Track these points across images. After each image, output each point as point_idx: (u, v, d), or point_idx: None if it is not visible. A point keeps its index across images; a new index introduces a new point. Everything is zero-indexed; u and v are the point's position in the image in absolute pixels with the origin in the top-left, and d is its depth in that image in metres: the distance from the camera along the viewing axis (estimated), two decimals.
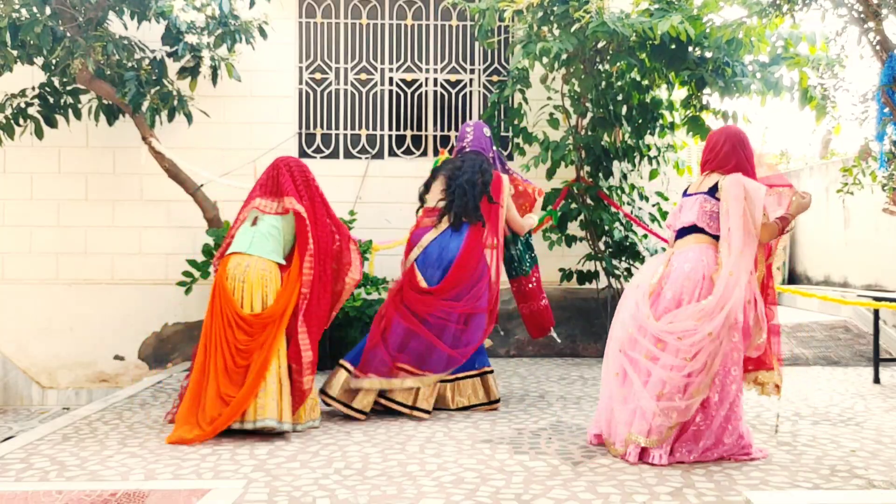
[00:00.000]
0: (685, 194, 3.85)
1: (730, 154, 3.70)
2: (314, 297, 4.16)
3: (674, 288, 3.62)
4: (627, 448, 3.53)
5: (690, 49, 5.79)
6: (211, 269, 4.30)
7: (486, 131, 4.95)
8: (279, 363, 4.03)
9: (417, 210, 4.88)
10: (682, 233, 3.76)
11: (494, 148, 5.05)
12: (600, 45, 5.89)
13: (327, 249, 4.26)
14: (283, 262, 4.26)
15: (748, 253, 3.55)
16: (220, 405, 3.97)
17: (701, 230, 3.68)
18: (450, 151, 6.87)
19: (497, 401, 4.72)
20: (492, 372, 4.75)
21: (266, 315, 4.05)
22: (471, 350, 4.58)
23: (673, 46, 5.74)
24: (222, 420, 3.92)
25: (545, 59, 5.67)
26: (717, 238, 3.66)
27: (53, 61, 5.65)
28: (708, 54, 5.86)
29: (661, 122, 6.44)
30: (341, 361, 4.54)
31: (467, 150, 4.86)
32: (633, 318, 3.68)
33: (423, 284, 4.57)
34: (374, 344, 4.50)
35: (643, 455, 3.52)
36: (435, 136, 7.07)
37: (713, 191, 3.67)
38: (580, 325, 6.90)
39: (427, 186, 4.84)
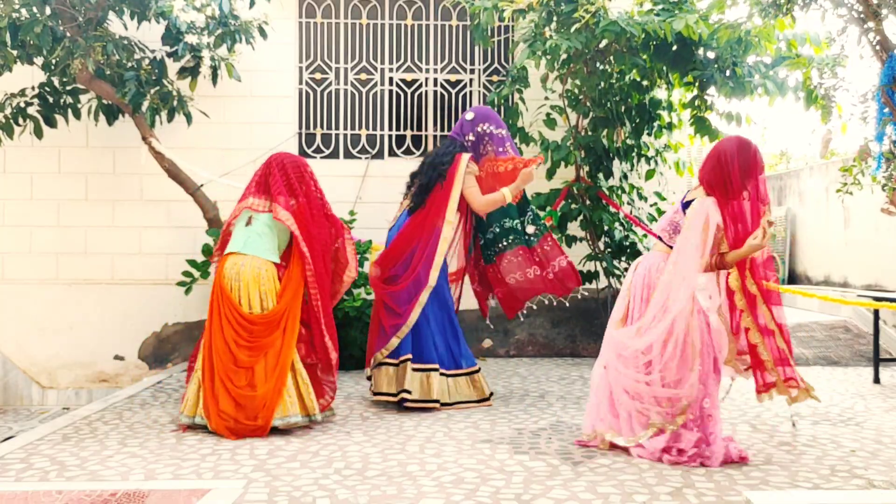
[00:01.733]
0: (682, 200, 3.83)
1: (715, 171, 3.60)
2: (325, 297, 4.22)
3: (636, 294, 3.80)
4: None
5: (696, 50, 5.78)
6: (211, 268, 4.32)
7: (469, 115, 4.84)
8: (295, 360, 4.13)
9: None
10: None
11: (482, 127, 4.79)
12: (602, 44, 5.88)
13: (326, 248, 4.27)
14: (279, 261, 4.26)
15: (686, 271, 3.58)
16: (233, 405, 3.98)
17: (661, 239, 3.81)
18: None
19: (489, 397, 4.80)
20: (479, 370, 4.81)
21: (271, 314, 4.07)
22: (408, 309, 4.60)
23: (675, 47, 5.73)
24: (263, 422, 3.97)
25: (548, 58, 5.67)
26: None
27: (53, 61, 5.64)
28: (710, 55, 5.85)
29: (658, 122, 6.45)
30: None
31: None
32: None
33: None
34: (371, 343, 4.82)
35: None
36: (435, 136, 7.07)
37: (686, 205, 3.70)
38: (580, 325, 6.90)
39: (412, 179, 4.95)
